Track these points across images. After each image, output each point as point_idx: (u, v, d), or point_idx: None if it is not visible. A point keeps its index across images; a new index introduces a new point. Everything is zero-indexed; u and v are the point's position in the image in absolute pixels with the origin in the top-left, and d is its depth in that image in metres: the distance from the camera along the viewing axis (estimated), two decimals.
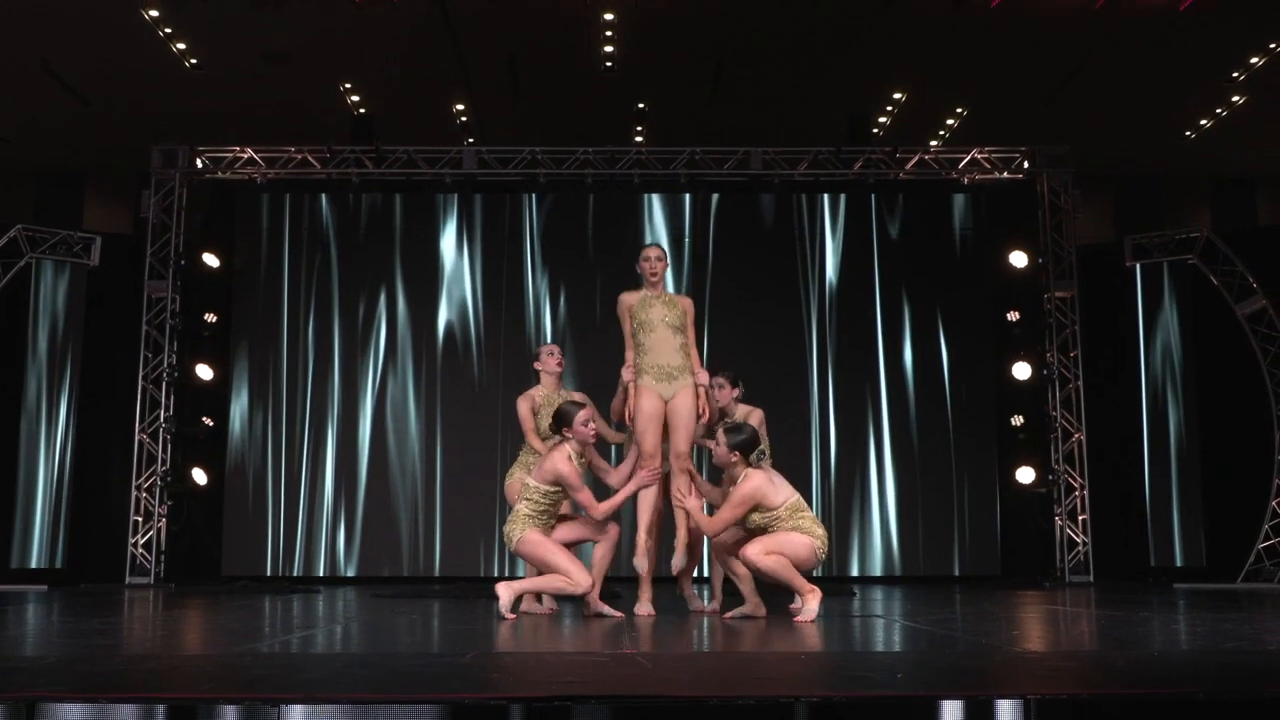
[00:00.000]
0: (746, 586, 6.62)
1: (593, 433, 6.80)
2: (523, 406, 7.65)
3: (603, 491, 7.00)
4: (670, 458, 6.91)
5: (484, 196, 12.67)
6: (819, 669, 4.29)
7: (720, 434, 6.42)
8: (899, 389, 12.44)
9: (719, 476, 6.93)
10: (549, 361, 7.75)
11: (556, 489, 6.71)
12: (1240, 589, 10.73)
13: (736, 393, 7.38)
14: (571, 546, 6.90)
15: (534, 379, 7.83)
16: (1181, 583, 11.15)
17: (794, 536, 6.20)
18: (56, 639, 5.56)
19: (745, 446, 6.35)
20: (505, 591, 6.60)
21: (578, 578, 6.61)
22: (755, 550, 6.18)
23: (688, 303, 7.17)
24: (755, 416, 7.23)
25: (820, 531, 6.27)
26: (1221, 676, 3.88)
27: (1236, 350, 11.68)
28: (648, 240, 12.37)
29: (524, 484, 6.88)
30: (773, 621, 6.35)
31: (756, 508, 6.26)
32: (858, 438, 12.35)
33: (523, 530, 6.71)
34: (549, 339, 12.17)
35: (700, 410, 6.98)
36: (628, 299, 7.15)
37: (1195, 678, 3.82)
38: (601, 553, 6.89)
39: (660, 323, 6.98)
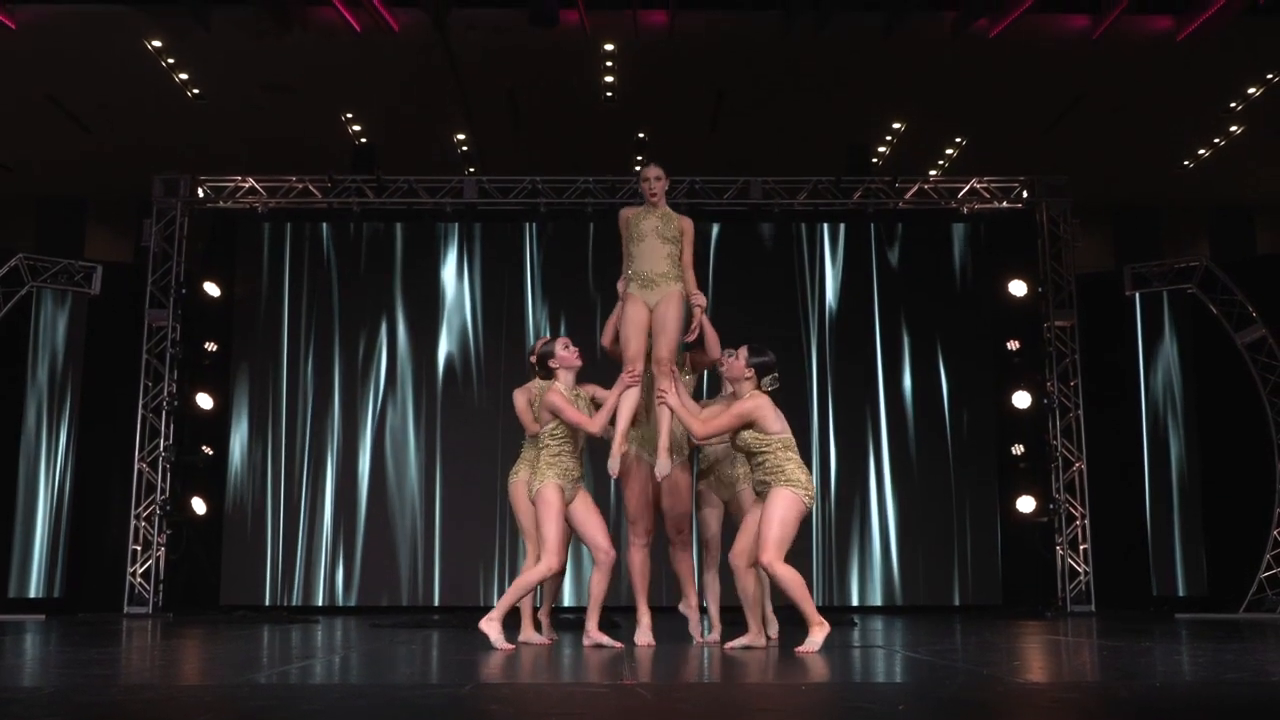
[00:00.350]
0: (752, 613, 6.59)
1: (576, 354, 6.86)
2: (520, 399, 7.45)
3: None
4: (652, 363, 6.83)
5: (484, 226, 12.70)
6: (821, 700, 4.26)
7: (743, 349, 6.46)
8: (899, 418, 12.43)
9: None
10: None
11: (558, 422, 6.71)
12: (1243, 619, 10.69)
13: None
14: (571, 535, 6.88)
15: (531, 377, 7.73)
16: (1183, 612, 11.11)
17: (783, 505, 6.19)
18: (54, 669, 5.54)
19: (763, 368, 6.42)
20: (492, 629, 6.57)
21: (552, 559, 6.59)
22: (770, 554, 6.16)
23: (687, 222, 7.10)
24: None
25: (804, 478, 6.30)
26: (1224, 708, 3.86)
27: (1236, 379, 11.68)
28: None
29: (541, 436, 6.82)
30: (774, 652, 6.33)
31: (752, 426, 6.28)
32: (858, 466, 12.33)
33: (543, 480, 6.70)
34: None
35: (692, 327, 6.90)
36: (626, 212, 7.15)
37: (1198, 709, 3.81)
38: (597, 579, 6.86)
39: (651, 232, 6.94)
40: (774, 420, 6.32)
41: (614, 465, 6.71)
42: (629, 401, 6.81)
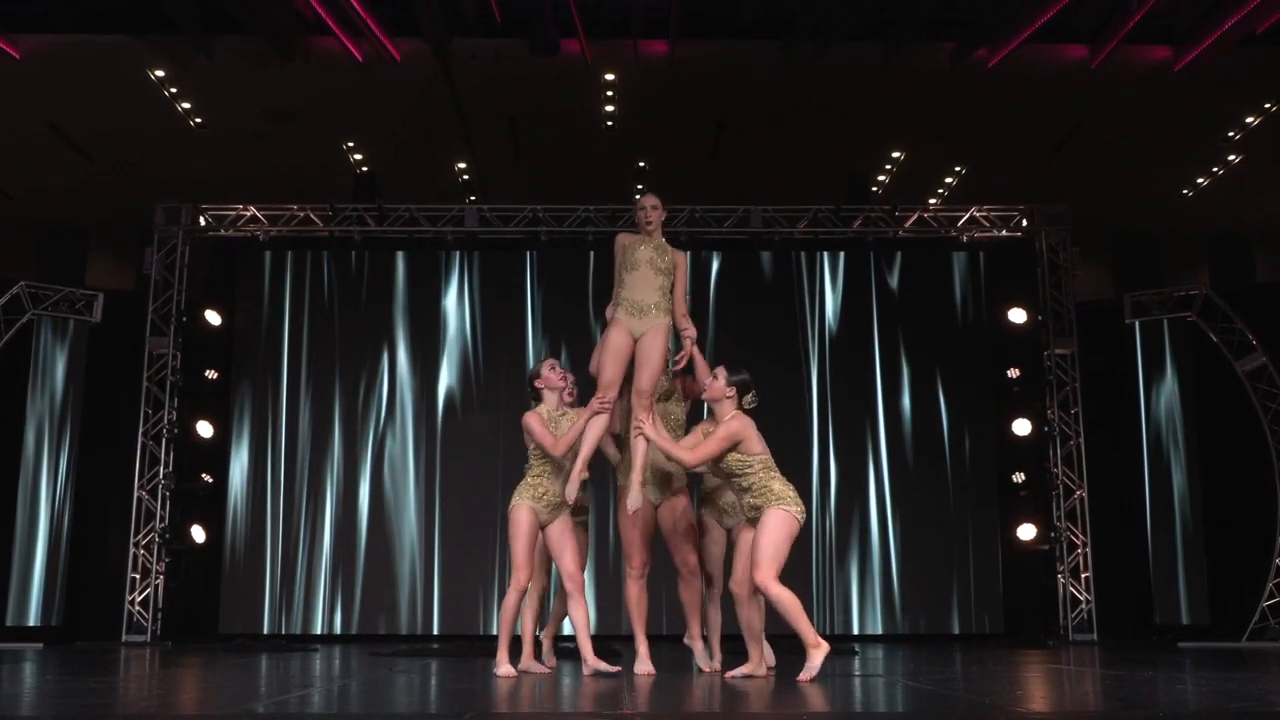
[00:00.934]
0: (753, 642, 6.56)
1: (560, 376, 6.86)
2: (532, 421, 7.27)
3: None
4: (632, 395, 6.74)
5: (485, 254, 12.71)
6: None
7: (721, 369, 6.44)
8: (899, 446, 12.41)
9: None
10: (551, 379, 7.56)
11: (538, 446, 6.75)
12: (1245, 647, 10.65)
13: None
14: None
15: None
16: (1186, 641, 11.06)
17: (775, 525, 6.17)
18: (51, 698, 5.51)
19: (743, 386, 6.43)
20: (499, 667, 6.60)
21: (519, 574, 6.60)
22: (765, 574, 6.14)
23: (681, 256, 7.05)
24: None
25: (792, 494, 6.30)
26: None
27: (1237, 407, 11.67)
28: None
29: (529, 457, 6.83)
30: (775, 681, 6.30)
31: (736, 448, 6.27)
32: (858, 495, 12.31)
33: (517, 500, 6.73)
34: None
35: (677, 359, 6.86)
36: (623, 238, 7.13)
37: None
38: (573, 609, 6.80)
39: (646, 262, 6.92)
40: (756, 441, 6.33)
41: (571, 491, 6.64)
42: (595, 429, 6.76)
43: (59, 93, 11.24)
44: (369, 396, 12.47)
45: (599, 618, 11.82)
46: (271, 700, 5.34)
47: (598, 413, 6.74)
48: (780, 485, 6.31)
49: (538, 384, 6.90)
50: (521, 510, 6.72)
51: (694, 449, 6.45)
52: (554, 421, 6.79)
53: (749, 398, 6.48)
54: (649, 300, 6.88)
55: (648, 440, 6.56)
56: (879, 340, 12.64)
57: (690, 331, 6.91)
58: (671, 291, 6.96)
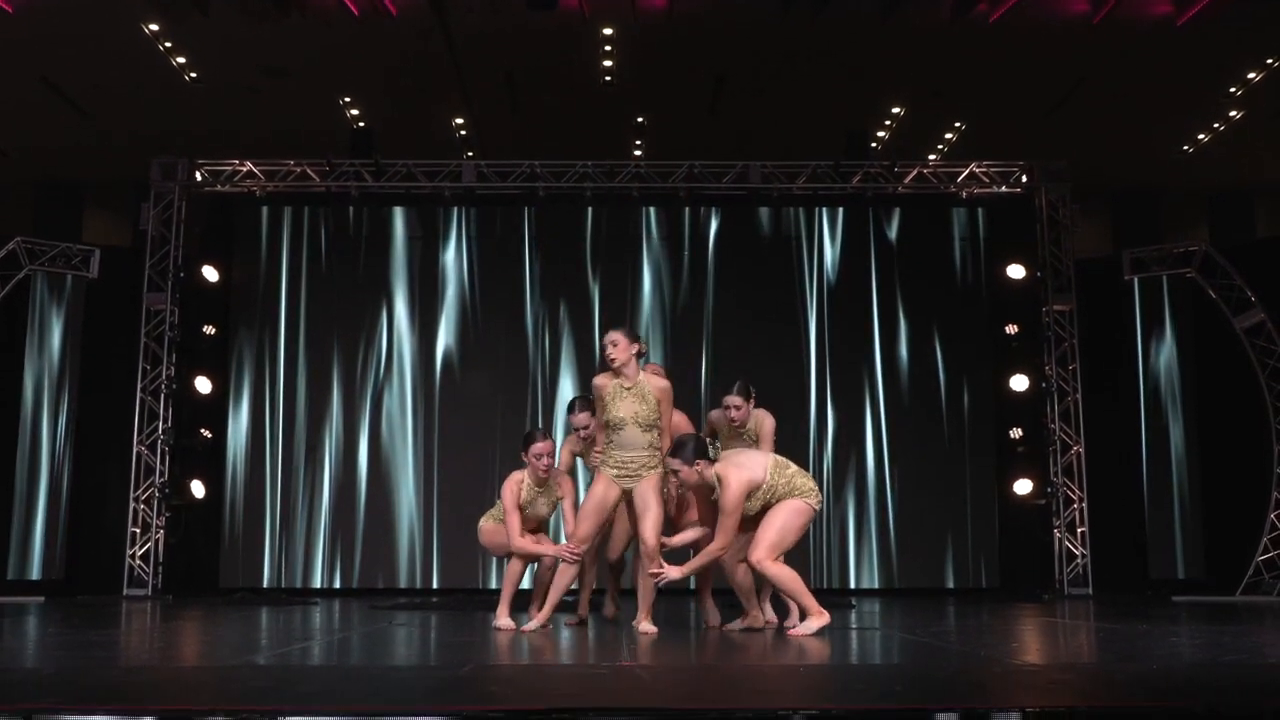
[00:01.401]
0: (747, 599, 6.61)
1: (544, 467, 6.67)
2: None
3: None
4: (640, 552, 6.53)
5: (483, 209, 12.68)
6: (817, 681, 4.28)
7: (674, 461, 6.21)
8: (897, 402, 12.44)
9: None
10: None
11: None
12: (1239, 602, 10.72)
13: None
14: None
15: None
16: (1181, 595, 11.14)
17: (788, 513, 6.20)
18: (54, 651, 5.55)
19: (701, 450, 6.25)
20: (502, 621, 6.69)
21: (523, 547, 6.75)
22: (761, 554, 6.18)
23: (662, 388, 6.53)
24: (767, 424, 7.12)
25: (810, 485, 6.33)
26: (1221, 689, 3.87)
27: (1235, 363, 11.69)
28: (644, 252, 12.46)
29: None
30: (772, 634, 6.35)
31: (749, 494, 6.25)
32: (855, 450, 12.34)
33: (482, 522, 7.08)
34: (546, 352, 12.31)
35: (670, 494, 6.62)
36: (601, 385, 6.56)
37: (1195, 691, 3.82)
38: (564, 570, 6.78)
39: (630, 419, 6.46)
40: (755, 472, 6.25)
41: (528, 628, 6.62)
42: (563, 580, 6.66)
43: (53, 46, 11.13)
44: (368, 352, 12.48)
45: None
46: (273, 652, 5.38)
47: (564, 559, 6.65)
48: (801, 480, 6.32)
49: (524, 456, 6.74)
50: (486, 524, 7.04)
51: (720, 536, 6.26)
52: (531, 499, 6.78)
53: (713, 450, 6.53)
54: (637, 461, 6.53)
55: (676, 578, 6.39)
56: (877, 296, 12.63)
57: (673, 465, 6.31)
58: (660, 432, 6.56)
